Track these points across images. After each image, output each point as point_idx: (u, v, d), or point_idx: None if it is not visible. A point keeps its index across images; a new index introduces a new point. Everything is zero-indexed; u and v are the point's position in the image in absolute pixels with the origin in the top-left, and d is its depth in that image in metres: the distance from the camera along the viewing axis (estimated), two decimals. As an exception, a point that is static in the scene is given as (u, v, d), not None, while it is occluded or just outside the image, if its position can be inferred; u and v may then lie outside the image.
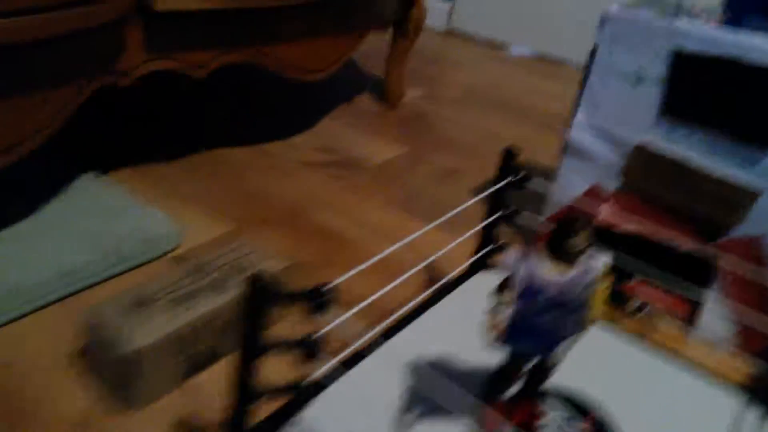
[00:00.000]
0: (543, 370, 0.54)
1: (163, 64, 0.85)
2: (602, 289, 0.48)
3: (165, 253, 0.83)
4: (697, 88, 0.76)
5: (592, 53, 0.81)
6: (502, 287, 0.48)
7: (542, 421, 0.60)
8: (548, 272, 0.47)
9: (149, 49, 0.84)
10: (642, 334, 0.75)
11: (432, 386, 0.62)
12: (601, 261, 0.48)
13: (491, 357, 0.55)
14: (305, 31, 1.01)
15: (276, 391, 0.50)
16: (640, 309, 0.47)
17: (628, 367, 0.70)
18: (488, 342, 0.46)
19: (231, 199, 0.98)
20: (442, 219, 0.69)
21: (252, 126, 1.26)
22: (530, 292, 0.47)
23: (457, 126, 1.40)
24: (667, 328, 0.80)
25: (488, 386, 0.56)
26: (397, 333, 0.68)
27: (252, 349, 0.46)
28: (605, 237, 0.86)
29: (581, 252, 0.47)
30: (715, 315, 0.80)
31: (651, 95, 0.78)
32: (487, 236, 0.78)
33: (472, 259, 0.79)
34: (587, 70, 0.82)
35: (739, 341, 0.79)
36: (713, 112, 0.75)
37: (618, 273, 0.86)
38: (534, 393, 0.56)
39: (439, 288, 0.79)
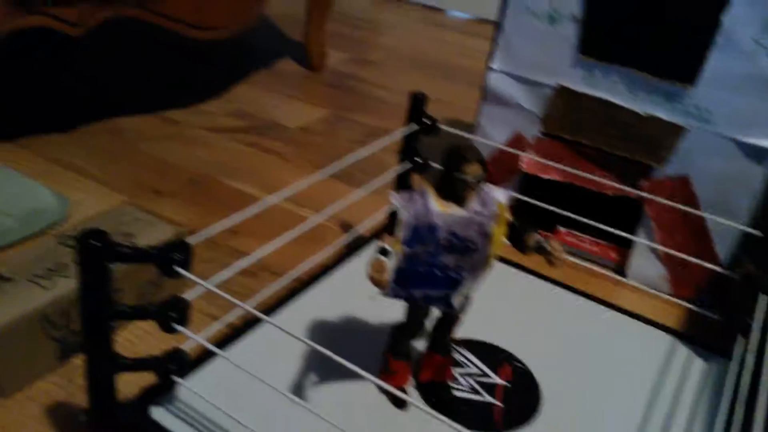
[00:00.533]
0: (448, 320, 0.50)
1: (31, 21, 0.75)
2: (501, 227, 0.43)
3: (46, 228, 0.74)
4: (615, 25, 0.72)
5: (504, -9, 0.76)
6: (388, 231, 0.42)
7: (455, 375, 0.55)
8: (439, 211, 0.42)
9: (14, 3, 0.74)
10: (542, 272, 0.71)
11: (336, 345, 0.56)
12: (497, 197, 0.43)
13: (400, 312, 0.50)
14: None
15: (137, 365, 0.43)
16: (540, 247, 0.42)
17: (549, 313, 0.66)
18: (373, 294, 0.40)
19: (126, 171, 0.89)
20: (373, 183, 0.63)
21: (155, 93, 1.16)
22: (419, 234, 0.42)
23: (383, 88, 1.34)
24: (597, 274, 0.77)
25: (391, 341, 0.50)
26: (299, 295, 0.63)
27: (94, 316, 0.40)
28: (530, 186, 0.82)
29: (474, 186, 0.42)
30: (646, 259, 0.77)
31: (567, 35, 0.73)
32: (401, 189, 0.72)
33: (388, 213, 0.73)
34: (502, 12, 0.77)
35: (669, 284, 0.77)
36: (632, 49, 0.71)
37: (541, 219, 0.83)
38: (442, 346, 0.51)
39: (350, 246, 0.74)
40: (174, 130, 1.03)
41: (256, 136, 1.05)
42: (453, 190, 0.42)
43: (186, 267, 0.40)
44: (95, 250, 0.38)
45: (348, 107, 1.21)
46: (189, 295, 0.47)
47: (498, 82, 0.79)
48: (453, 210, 0.42)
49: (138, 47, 1.38)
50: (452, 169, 0.41)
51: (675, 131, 0.70)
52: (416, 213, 0.42)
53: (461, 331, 0.58)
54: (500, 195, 0.43)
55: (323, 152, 1.02)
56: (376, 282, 0.39)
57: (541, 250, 0.42)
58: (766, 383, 0.40)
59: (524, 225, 0.43)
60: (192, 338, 0.42)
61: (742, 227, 0.60)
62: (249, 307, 0.40)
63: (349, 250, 0.73)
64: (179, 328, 0.42)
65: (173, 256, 0.39)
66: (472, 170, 0.41)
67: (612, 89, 0.73)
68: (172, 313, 0.41)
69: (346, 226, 0.82)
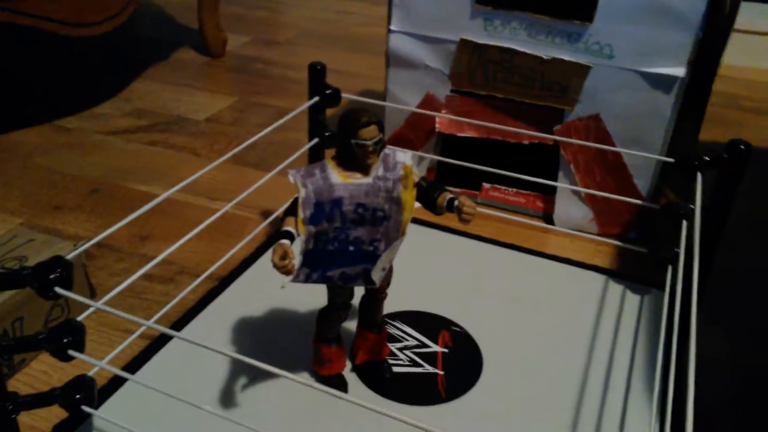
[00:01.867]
0: (374, 296, 0.47)
1: None
2: (410, 190, 0.40)
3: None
4: (508, -30, 0.70)
5: (390, -52, 0.72)
6: (290, 212, 0.39)
7: (392, 352, 0.53)
8: (340, 182, 0.39)
9: None
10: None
11: (262, 343, 0.53)
12: (401, 159, 0.40)
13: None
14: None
15: (38, 401, 0.39)
16: (451, 205, 0.40)
17: (481, 271, 0.65)
18: (283, 282, 0.37)
19: (20, 190, 0.82)
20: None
21: (42, 101, 1.08)
22: (323, 210, 0.39)
23: (290, 67, 1.29)
24: (525, 225, 0.77)
25: (318, 329, 0.47)
26: (219, 294, 0.59)
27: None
28: (449, 145, 0.81)
29: (373, 150, 0.39)
30: (570, 203, 0.77)
31: (461, -16, 0.71)
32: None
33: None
34: (392, -31, 0.74)
35: (596, 224, 0.77)
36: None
37: (464, 177, 0.81)
38: (373, 323, 0.49)
39: (272, 234, 0.70)
40: (68, 138, 0.95)
41: (160, 134, 0.98)
42: (353, 158, 0.39)
43: (68, 285, 0.35)
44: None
45: (256, 91, 1.16)
46: (86, 313, 0.43)
47: (399, 43, 0.76)
48: (356, 179, 0.39)
49: (14, 53, 1.28)
50: (349, 136, 0.38)
51: (580, 71, 0.70)
52: (316, 188, 0.39)
53: (393, 304, 0.57)
54: (405, 156, 0.40)
55: (236, 141, 0.97)
56: (282, 269, 0.36)
57: (452, 208, 0.40)
58: (697, 309, 0.40)
59: (433, 184, 0.41)
60: (94, 363, 0.38)
61: (654, 156, 0.60)
62: (151, 323, 0.36)
63: (271, 239, 0.70)
64: (76, 354, 0.37)
65: (51, 274, 0.35)
66: (369, 133, 0.38)
67: (513, 36, 0.71)
68: (66, 338, 0.37)
69: (267, 215, 0.78)
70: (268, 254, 0.65)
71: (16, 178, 0.85)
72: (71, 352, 0.37)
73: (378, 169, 0.40)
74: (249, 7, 1.69)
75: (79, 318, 0.40)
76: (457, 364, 0.53)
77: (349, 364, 0.51)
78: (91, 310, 0.41)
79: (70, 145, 0.94)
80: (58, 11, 0.87)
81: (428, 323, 0.57)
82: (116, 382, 0.48)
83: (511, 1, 0.70)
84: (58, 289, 0.35)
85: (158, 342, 0.53)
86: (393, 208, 0.40)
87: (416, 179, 0.41)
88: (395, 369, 0.51)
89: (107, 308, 0.36)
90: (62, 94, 1.11)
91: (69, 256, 0.38)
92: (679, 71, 0.66)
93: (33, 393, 0.39)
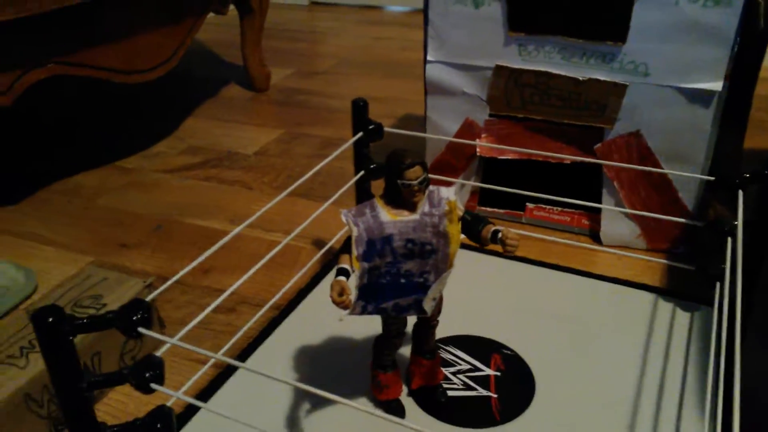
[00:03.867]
0: (426, 324, 0.49)
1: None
2: (455, 224, 0.43)
3: (15, 306, 0.73)
4: (541, -4, 0.72)
5: (425, -16, 0.76)
6: (344, 250, 0.42)
7: (446, 376, 0.55)
8: (390, 220, 0.42)
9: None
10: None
11: (322, 371, 0.56)
12: (445, 195, 0.43)
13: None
14: (119, 29, 0.91)
15: (121, 431, 0.42)
16: (495, 237, 0.42)
17: (529, 293, 0.66)
18: (341, 315, 0.40)
19: (86, 230, 0.88)
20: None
21: (102, 144, 1.15)
22: (375, 247, 0.41)
23: (332, 97, 1.33)
24: (570, 245, 0.78)
25: (375, 356, 0.50)
26: (279, 325, 0.62)
27: (68, 392, 0.39)
28: (491, 168, 0.83)
29: (419, 189, 0.41)
30: (616, 220, 0.78)
31: (494, 15, 0.73)
32: (361, 197, 0.72)
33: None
34: (425, 3, 0.77)
35: (644, 240, 0.77)
36: (560, 16, 0.71)
37: (508, 199, 0.83)
38: (426, 349, 0.51)
39: (325, 263, 0.73)
40: (129, 178, 1.02)
41: (213, 169, 1.04)
42: (400, 196, 0.42)
43: (148, 325, 0.39)
44: (52, 328, 0.37)
45: (300, 123, 1.21)
46: (164, 347, 0.46)
47: (437, 72, 0.79)
48: (404, 216, 0.42)
49: (71, 98, 1.36)
50: (395, 177, 0.41)
51: (616, 90, 0.71)
52: (367, 226, 0.41)
53: (445, 330, 0.59)
54: (449, 192, 0.43)
55: (284, 173, 1.01)
56: (340, 304, 0.39)
57: (497, 240, 0.42)
58: (740, 326, 0.41)
59: (477, 217, 0.43)
60: (172, 395, 0.42)
61: (693, 175, 0.61)
62: (220, 355, 0.39)
63: (324, 267, 0.73)
64: (157, 387, 0.41)
65: (133, 316, 0.38)
66: (414, 174, 0.41)
67: (548, 60, 0.73)
68: (147, 373, 0.41)
69: (318, 244, 0.82)
70: (324, 284, 0.69)
71: (83, 219, 0.91)
72: (153, 386, 0.40)
73: (424, 206, 0.42)
74: (289, 40, 1.76)
75: (157, 353, 0.43)
76: (510, 386, 0.54)
77: (405, 390, 0.53)
78: (167, 346, 0.44)
79: (131, 184, 1.00)
80: (110, 61, 0.93)
81: (480, 347, 0.58)
82: (191, 410, 0.52)
83: (544, 26, 0.72)
84: (140, 329, 0.38)
85: (227, 371, 0.56)
86: (440, 241, 0.42)
87: (461, 213, 0.43)
88: (450, 393, 0.53)
89: (183, 344, 0.40)
90: (120, 136, 1.18)
91: (148, 298, 0.41)
92: (717, 86, 0.67)
93: (119, 424, 0.43)
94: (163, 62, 1.00)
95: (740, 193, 0.54)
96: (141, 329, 0.39)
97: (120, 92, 1.39)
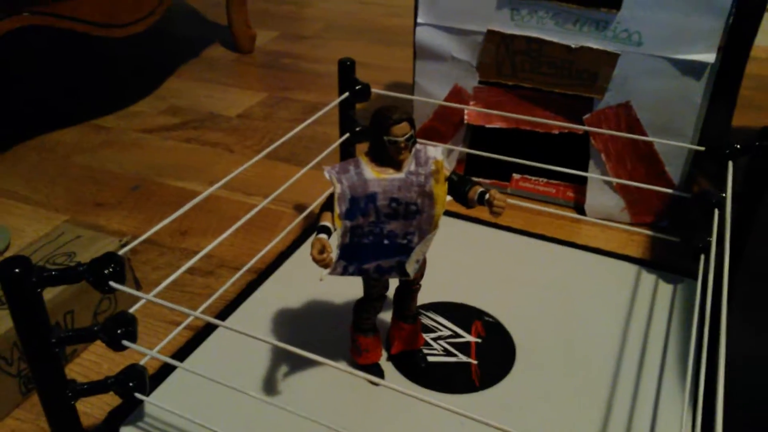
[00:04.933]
0: (408, 288, 0.49)
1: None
2: (441, 184, 0.41)
3: (-14, 263, 0.71)
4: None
5: (417, -58, 0.73)
6: (327, 208, 0.41)
7: (427, 341, 0.54)
8: (374, 177, 0.40)
9: None
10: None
11: (301, 333, 0.55)
12: (432, 154, 0.41)
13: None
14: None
15: (94, 389, 0.41)
16: (483, 198, 0.41)
17: (512, 262, 0.65)
18: (321, 275, 0.39)
19: (63, 188, 0.85)
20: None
21: (81, 100, 1.11)
22: (358, 205, 0.40)
23: (318, 61, 1.30)
24: (556, 215, 0.77)
25: (355, 319, 0.49)
26: (259, 287, 0.61)
27: (36, 347, 0.37)
28: (478, 136, 0.81)
29: (405, 147, 0.40)
30: (601, 192, 0.77)
31: (488, -24, 0.72)
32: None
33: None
34: (418, -38, 0.75)
35: (628, 213, 0.77)
36: (555, -19, 0.69)
37: (493, 168, 0.82)
38: (408, 314, 0.50)
39: (306, 227, 0.72)
40: (107, 137, 0.99)
41: (194, 131, 1.01)
42: (386, 154, 0.40)
43: (120, 279, 0.38)
44: (19, 280, 0.36)
45: (285, 86, 1.18)
46: (137, 305, 0.45)
47: (427, 35, 0.77)
48: (389, 174, 0.41)
49: (49, 55, 1.32)
50: (381, 133, 0.39)
51: (608, 59, 0.70)
52: (351, 184, 0.40)
53: (427, 296, 0.58)
54: (436, 152, 0.41)
55: (267, 137, 0.99)
56: (320, 262, 0.38)
57: (483, 201, 0.41)
58: (726, 299, 0.40)
59: (464, 178, 0.42)
60: (146, 353, 0.40)
61: (684, 145, 0.60)
62: (198, 313, 0.38)
63: (305, 232, 0.71)
64: (130, 344, 0.40)
65: (105, 269, 0.37)
66: (401, 130, 0.39)
67: (540, 26, 0.71)
68: (119, 329, 0.39)
69: (300, 208, 0.80)
70: (304, 247, 0.68)
71: (59, 177, 0.88)
72: (125, 342, 0.39)
73: (410, 165, 0.41)
74: (275, 2, 1.71)
75: (130, 310, 0.42)
76: (491, 353, 0.54)
77: (385, 354, 0.53)
78: (141, 302, 0.43)
79: (109, 143, 0.97)
80: (91, 13, 0.90)
81: (461, 314, 0.58)
82: (165, 371, 0.51)
83: (537, -9, 0.70)
84: (112, 283, 0.37)
85: (203, 332, 0.55)
86: (425, 202, 0.41)
87: (447, 173, 0.42)
88: (430, 358, 0.53)
89: (158, 300, 0.39)
90: (99, 94, 1.15)
91: (121, 251, 0.40)
92: (710, 57, 0.65)
93: (89, 381, 0.42)
94: (144, 16, 0.96)
95: (730, 164, 0.53)
96: (113, 283, 0.37)
97: (99, 48, 1.35)
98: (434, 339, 0.55)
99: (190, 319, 0.55)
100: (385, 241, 0.42)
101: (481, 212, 0.55)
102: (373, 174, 0.40)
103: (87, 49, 1.35)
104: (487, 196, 0.41)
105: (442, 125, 0.82)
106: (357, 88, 0.64)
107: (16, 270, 0.35)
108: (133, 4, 0.94)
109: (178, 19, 1.54)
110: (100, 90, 1.17)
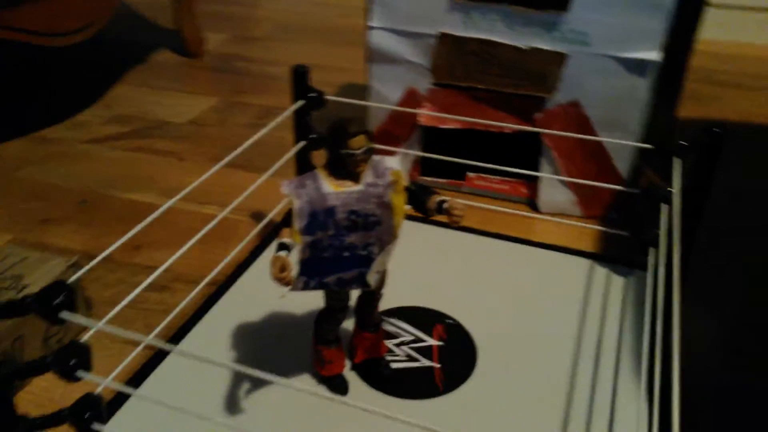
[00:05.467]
0: (369, 297, 0.48)
1: None
2: (400, 195, 0.41)
3: (-75, 289, 0.67)
4: (482, -38, 0.70)
5: (365, -55, 0.73)
6: (285, 224, 0.40)
7: (390, 347, 0.54)
8: (333, 191, 0.40)
9: None
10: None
11: (263, 349, 0.54)
12: (390, 165, 0.41)
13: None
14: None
15: (50, 421, 0.40)
16: (441, 208, 0.41)
17: (470, 262, 0.66)
18: (283, 292, 0.38)
19: (5, 205, 0.82)
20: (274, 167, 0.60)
21: (23, 112, 1.07)
22: (317, 220, 0.40)
23: (271, 64, 1.28)
24: (510, 213, 0.78)
25: (317, 331, 0.49)
26: (217, 302, 0.60)
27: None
28: (433, 137, 0.82)
29: (363, 159, 0.40)
30: (554, 188, 0.79)
31: (438, -21, 0.72)
32: (302, 169, 0.70)
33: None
34: (367, -35, 0.74)
35: (579, 207, 0.79)
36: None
37: (449, 168, 0.82)
38: (370, 323, 0.50)
39: (264, 236, 0.71)
40: (51, 149, 0.95)
41: (143, 140, 0.98)
42: (344, 167, 0.40)
43: (71, 308, 0.36)
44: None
45: (238, 90, 1.16)
46: (91, 331, 0.44)
47: (380, 39, 0.77)
48: (347, 187, 0.40)
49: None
50: (338, 146, 0.39)
51: (557, 59, 0.71)
52: (310, 198, 0.40)
53: (389, 301, 0.58)
54: (393, 162, 0.41)
55: (220, 143, 0.97)
56: (281, 281, 0.37)
57: (442, 210, 0.41)
58: (678, 290, 0.42)
59: (423, 187, 0.42)
60: (101, 383, 0.39)
61: (633, 144, 0.62)
62: (151, 338, 0.37)
63: (264, 241, 0.70)
64: (84, 375, 0.38)
65: (54, 300, 0.35)
66: (358, 143, 0.39)
67: (491, 28, 0.72)
68: (73, 360, 0.38)
69: (258, 216, 0.79)
70: (263, 257, 0.67)
71: (1, 193, 0.85)
72: (79, 373, 0.37)
73: (368, 176, 0.41)
74: (224, 3, 1.68)
75: (83, 336, 0.40)
76: (453, 356, 0.54)
77: (348, 363, 0.52)
78: (92, 330, 0.41)
79: (54, 155, 0.93)
80: (33, 22, 0.86)
81: (423, 317, 0.58)
82: (122, 397, 0.49)
83: (486, -6, 0.71)
84: (63, 314, 0.36)
85: (161, 354, 0.54)
86: (385, 212, 0.41)
87: (406, 184, 0.42)
88: (393, 365, 0.53)
89: (110, 328, 0.37)
90: (41, 104, 1.10)
91: (70, 280, 0.38)
92: (653, 55, 0.68)
93: (42, 416, 0.40)
94: (88, 24, 0.93)
95: (677, 160, 0.55)
96: (64, 314, 0.36)
97: (41, 56, 1.30)
98: (397, 345, 0.55)
99: (144, 343, 0.53)
100: (346, 254, 0.41)
101: (440, 217, 0.55)
102: (331, 187, 0.40)
103: (28, 57, 1.30)
104: (445, 205, 0.41)
105: (398, 128, 0.82)
106: (311, 95, 0.63)
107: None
108: (77, 12, 0.91)
109: (123, 24, 1.50)
110: (42, 100, 1.13)
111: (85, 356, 0.37)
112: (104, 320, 0.40)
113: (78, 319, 0.36)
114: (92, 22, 0.95)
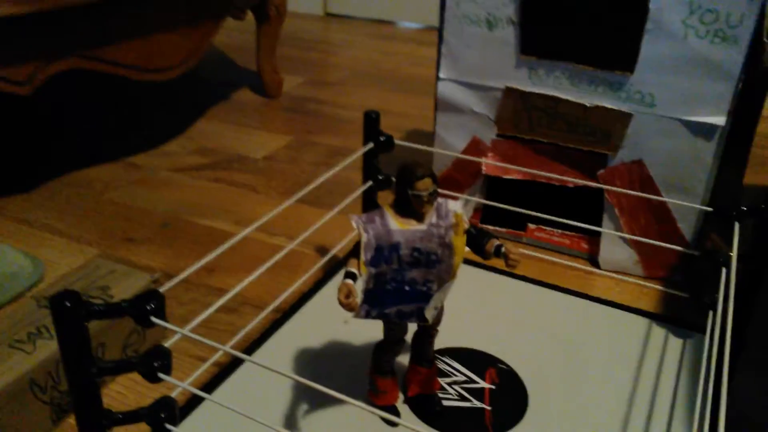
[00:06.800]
0: (426, 333, 0.51)
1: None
2: (460, 236, 0.44)
3: (22, 292, 0.74)
4: (551, 22, 0.74)
5: (442, 6, 0.78)
6: (353, 255, 0.44)
7: (442, 385, 0.56)
8: (398, 228, 0.43)
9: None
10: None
11: (322, 372, 0.57)
12: (453, 208, 0.44)
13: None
14: (139, 27, 0.93)
15: (128, 418, 0.44)
16: (499, 251, 0.44)
17: (527, 311, 0.67)
18: (346, 318, 0.42)
19: (95, 223, 0.89)
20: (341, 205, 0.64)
21: (116, 139, 1.17)
22: (382, 254, 0.43)
23: (342, 107, 1.35)
24: (570, 266, 0.79)
25: (374, 361, 0.51)
26: (282, 326, 0.63)
27: (79, 376, 0.40)
28: (495, 186, 0.84)
29: (428, 200, 0.43)
30: (615, 245, 0.79)
31: (506, 37, 0.76)
32: (368, 207, 0.74)
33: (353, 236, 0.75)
34: (441, 22, 0.79)
35: (641, 267, 0.79)
36: (570, 43, 0.73)
37: (510, 218, 0.84)
38: (425, 358, 0.52)
39: (327, 269, 0.75)
40: (138, 175, 1.03)
41: (222, 171, 1.05)
42: (410, 206, 0.43)
43: (160, 315, 0.40)
44: (70, 312, 0.39)
45: (310, 130, 1.23)
46: (171, 340, 0.48)
47: (448, 90, 0.81)
48: (412, 225, 0.44)
49: (88, 94, 1.38)
50: (406, 187, 0.43)
51: (622, 118, 0.73)
52: (377, 233, 0.43)
53: (444, 341, 0.60)
54: (456, 205, 0.44)
55: (291, 179, 1.03)
56: (346, 306, 0.41)
57: (500, 254, 0.44)
58: (728, 355, 0.42)
59: (482, 231, 0.45)
60: (178, 385, 0.43)
61: (692, 205, 0.62)
62: (228, 348, 0.41)
63: (327, 274, 0.74)
64: (164, 376, 0.42)
65: (146, 306, 0.40)
66: (424, 185, 0.42)
67: (557, 85, 0.75)
68: (156, 362, 0.42)
69: (321, 250, 0.83)
70: (326, 289, 0.70)
71: (91, 212, 0.92)
72: (160, 375, 0.41)
73: (432, 217, 0.44)
74: (302, 49, 1.78)
75: (166, 344, 0.45)
76: (504, 400, 0.55)
77: (401, 397, 0.55)
78: (176, 337, 0.46)
79: (141, 181, 1.01)
80: (133, 58, 0.95)
81: (476, 360, 0.60)
82: (192, 404, 0.53)
83: (554, 52, 0.74)
84: (153, 318, 0.40)
85: (228, 368, 0.58)
86: (445, 252, 0.44)
87: (466, 226, 0.45)
88: (445, 402, 0.55)
89: (193, 335, 0.41)
90: (132, 134, 1.20)
91: (162, 289, 0.43)
92: (720, 120, 0.68)
93: (124, 411, 0.44)
94: (180, 63, 1.02)
95: (736, 224, 0.55)
96: (154, 318, 0.40)
97: (135, 91, 1.41)
98: (449, 384, 0.57)
99: (219, 354, 0.57)
100: (406, 288, 0.44)
101: (498, 262, 0.58)
102: (397, 225, 0.43)
103: (122, 91, 1.41)
104: (503, 249, 0.43)
105: (461, 175, 0.85)
106: (381, 139, 0.67)
107: (68, 303, 0.38)
108: (171, 50, 1.00)
109: (210, 64, 1.61)
110: (133, 129, 1.23)
111: (167, 360, 0.41)
112: (188, 328, 0.44)
113: (166, 324, 0.40)
114: (184, 60, 1.04)
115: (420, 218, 0.44)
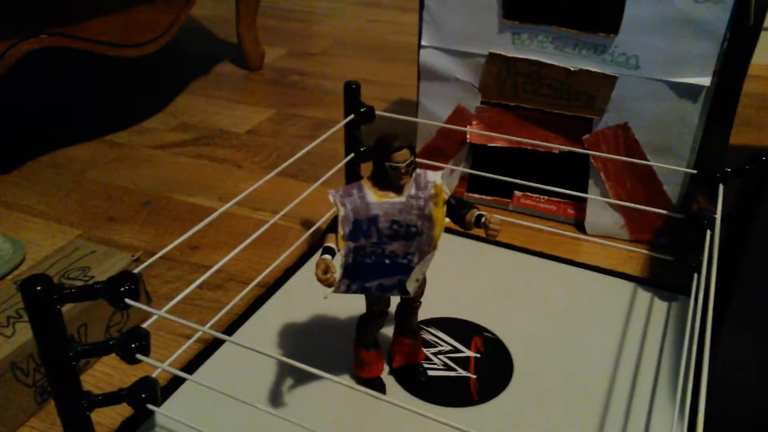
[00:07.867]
0: (409, 305, 0.50)
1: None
2: (440, 207, 0.43)
3: (3, 276, 0.73)
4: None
5: (421, -32, 0.76)
6: (331, 230, 0.43)
7: (427, 356, 0.56)
8: (376, 201, 0.42)
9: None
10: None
11: (307, 347, 0.57)
12: (432, 179, 0.43)
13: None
14: (116, 2, 0.91)
15: (109, 400, 0.43)
16: (479, 222, 0.43)
17: (512, 279, 0.67)
18: (326, 293, 0.41)
19: (76, 203, 0.88)
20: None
21: (95, 117, 1.14)
22: (361, 227, 0.42)
23: (326, 78, 1.33)
24: (555, 233, 0.79)
25: (358, 334, 0.51)
26: (266, 302, 0.63)
27: (55, 359, 0.39)
28: (481, 154, 0.83)
29: (406, 172, 0.42)
30: (601, 210, 0.79)
31: (489, 2, 0.74)
32: (351, 180, 0.73)
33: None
34: (422, -12, 0.77)
35: (627, 231, 0.78)
36: (554, 7, 0.72)
37: (496, 186, 0.84)
38: (409, 329, 0.52)
39: (313, 243, 0.74)
40: (119, 153, 1.02)
41: (204, 147, 1.04)
42: (387, 178, 0.42)
43: (135, 296, 0.40)
44: (41, 296, 0.38)
45: (293, 103, 1.21)
46: (150, 320, 0.47)
47: (430, 57, 0.80)
48: (390, 198, 0.43)
49: (63, 72, 1.35)
50: (383, 159, 0.42)
51: (606, 81, 0.72)
52: (354, 207, 0.42)
53: (428, 311, 0.60)
54: (435, 176, 0.43)
55: (275, 153, 1.02)
56: (324, 282, 0.40)
57: (480, 224, 0.43)
58: (711, 317, 0.42)
59: (462, 201, 0.44)
60: (157, 366, 0.42)
61: (676, 168, 0.62)
62: (207, 328, 0.40)
63: (312, 247, 0.74)
64: (143, 358, 0.42)
65: (121, 287, 0.39)
66: (401, 157, 0.41)
67: (540, 49, 0.73)
68: (133, 343, 0.41)
69: (306, 224, 0.82)
70: (310, 263, 0.70)
71: (72, 192, 0.91)
72: (138, 356, 0.41)
73: (410, 189, 0.43)
74: (283, 19, 1.74)
75: (143, 325, 0.44)
76: (489, 368, 0.56)
77: (386, 368, 0.54)
78: (154, 318, 0.45)
79: (121, 159, 1.00)
80: (106, 34, 0.93)
81: (461, 329, 0.60)
82: (175, 383, 0.53)
83: (538, 15, 0.72)
84: (127, 300, 0.39)
85: (212, 346, 0.57)
86: (425, 224, 0.43)
87: (446, 197, 0.44)
88: (430, 373, 0.55)
89: (169, 316, 0.41)
90: (111, 110, 1.18)
91: (135, 271, 0.42)
92: (705, 80, 0.67)
93: (103, 393, 0.44)
94: (157, 36, 0.99)
95: (721, 186, 0.55)
96: (128, 300, 0.39)
97: (113, 67, 1.38)
98: (434, 354, 0.57)
99: (200, 333, 0.57)
100: (387, 261, 0.44)
101: (482, 231, 0.57)
102: (375, 198, 0.43)
103: (100, 67, 1.38)
104: (483, 219, 0.43)
105: (446, 144, 0.84)
106: (362, 110, 0.66)
107: (38, 287, 0.37)
108: (148, 24, 0.98)
109: (189, 37, 1.58)
110: (113, 107, 1.20)
111: (145, 341, 0.40)
112: (164, 309, 0.43)
113: (141, 305, 0.39)
114: (161, 34, 1.01)
115: (398, 190, 0.43)
